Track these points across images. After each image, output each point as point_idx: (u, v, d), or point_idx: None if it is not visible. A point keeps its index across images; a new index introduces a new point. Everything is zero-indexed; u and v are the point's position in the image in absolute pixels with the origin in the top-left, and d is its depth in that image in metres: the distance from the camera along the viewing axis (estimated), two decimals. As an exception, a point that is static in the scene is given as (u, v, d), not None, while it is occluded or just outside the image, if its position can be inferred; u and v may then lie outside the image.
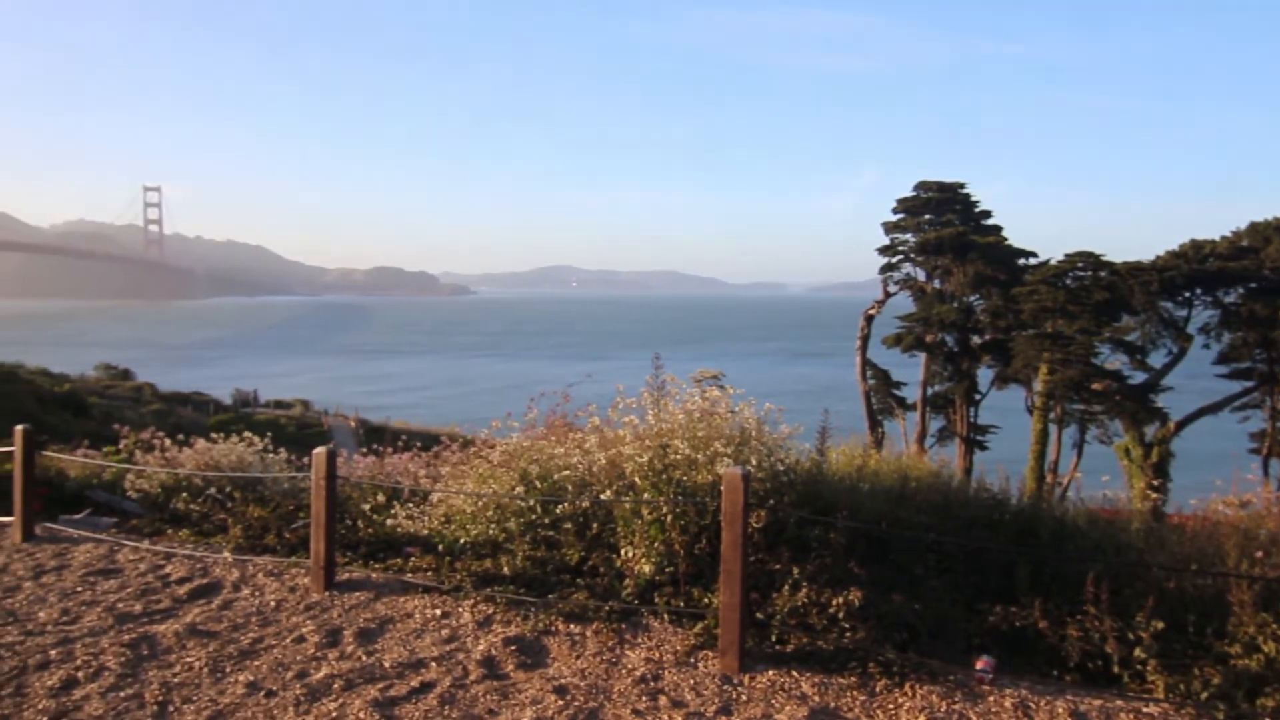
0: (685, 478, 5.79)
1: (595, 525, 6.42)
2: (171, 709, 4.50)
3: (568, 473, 6.46)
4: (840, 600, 5.08)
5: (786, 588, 5.32)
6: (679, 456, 5.76)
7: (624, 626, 5.32)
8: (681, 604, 5.48)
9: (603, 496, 5.89)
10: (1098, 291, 28.64)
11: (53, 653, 5.18)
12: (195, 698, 4.61)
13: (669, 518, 5.63)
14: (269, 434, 10.13)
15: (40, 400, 39.66)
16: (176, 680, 4.82)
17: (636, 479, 5.85)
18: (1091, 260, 29.39)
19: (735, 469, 4.81)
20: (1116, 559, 5.34)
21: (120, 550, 7.22)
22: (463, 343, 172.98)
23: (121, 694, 4.66)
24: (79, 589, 6.32)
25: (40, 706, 4.52)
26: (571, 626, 5.37)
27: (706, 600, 5.44)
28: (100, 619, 5.72)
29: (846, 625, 5.02)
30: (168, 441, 9.73)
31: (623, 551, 5.98)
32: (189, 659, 5.09)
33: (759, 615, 5.24)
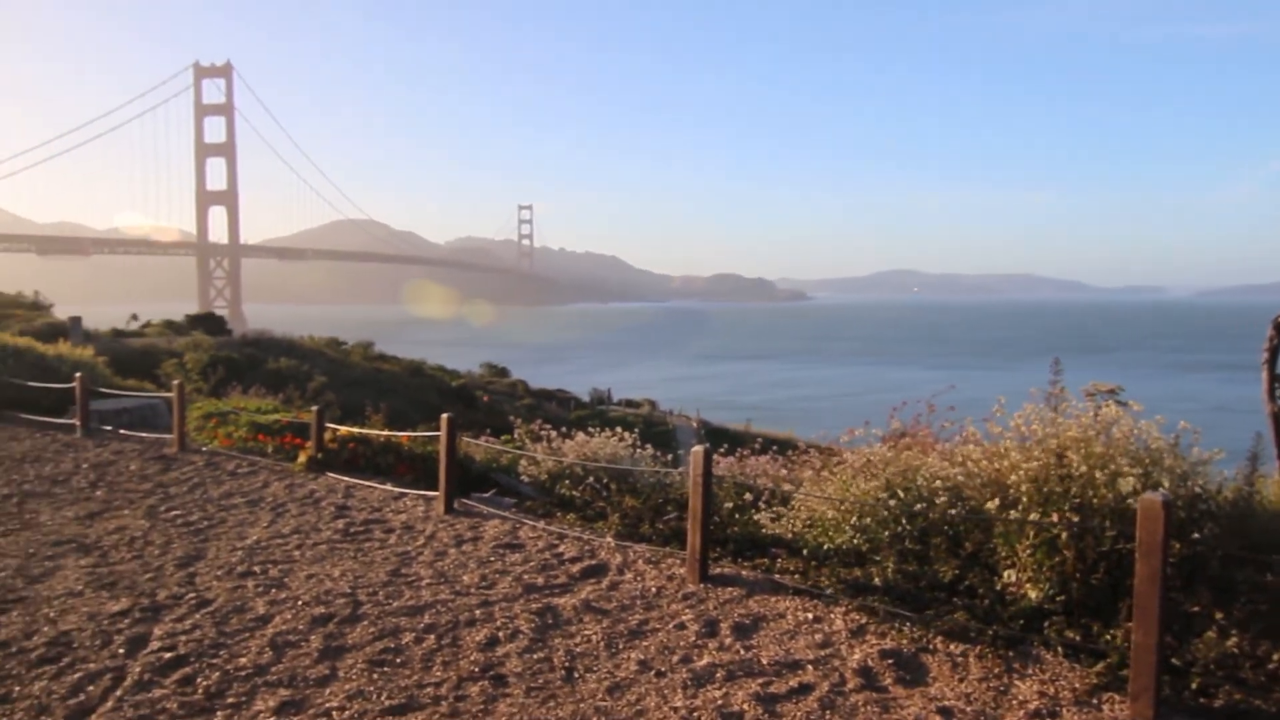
0: (1080, 496, 5.31)
1: (969, 543, 6.10)
2: (576, 675, 4.98)
3: (939, 484, 6.20)
4: (1285, 655, 4.36)
5: (1210, 633, 4.68)
6: (1072, 470, 5.29)
7: (1011, 654, 4.99)
8: (1077, 637, 5.02)
9: (987, 506, 5.56)
10: None
11: (477, 612, 5.96)
12: (595, 668, 5.07)
13: (1063, 538, 5.19)
14: (635, 430, 10.89)
15: (440, 393, 46.09)
16: (578, 650, 5.33)
17: (1023, 495, 5.47)
18: None
19: (1155, 495, 4.31)
20: None
21: (521, 528, 8.13)
22: (800, 348, 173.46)
23: (534, 656, 5.24)
24: (491, 559, 7.21)
25: (472, 659, 5.23)
26: (951, 646, 5.14)
27: (1108, 636, 4.94)
28: (511, 587, 6.49)
29: (1293, 685, 4.30)
30: (553, 433, 10.79)
31: (1004, 574, 5.62)
32: (586, 632, 5.60)
33: (1173, 660, 4.66)
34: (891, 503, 6.24)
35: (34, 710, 4.62)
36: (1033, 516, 5.37)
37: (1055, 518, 5.21)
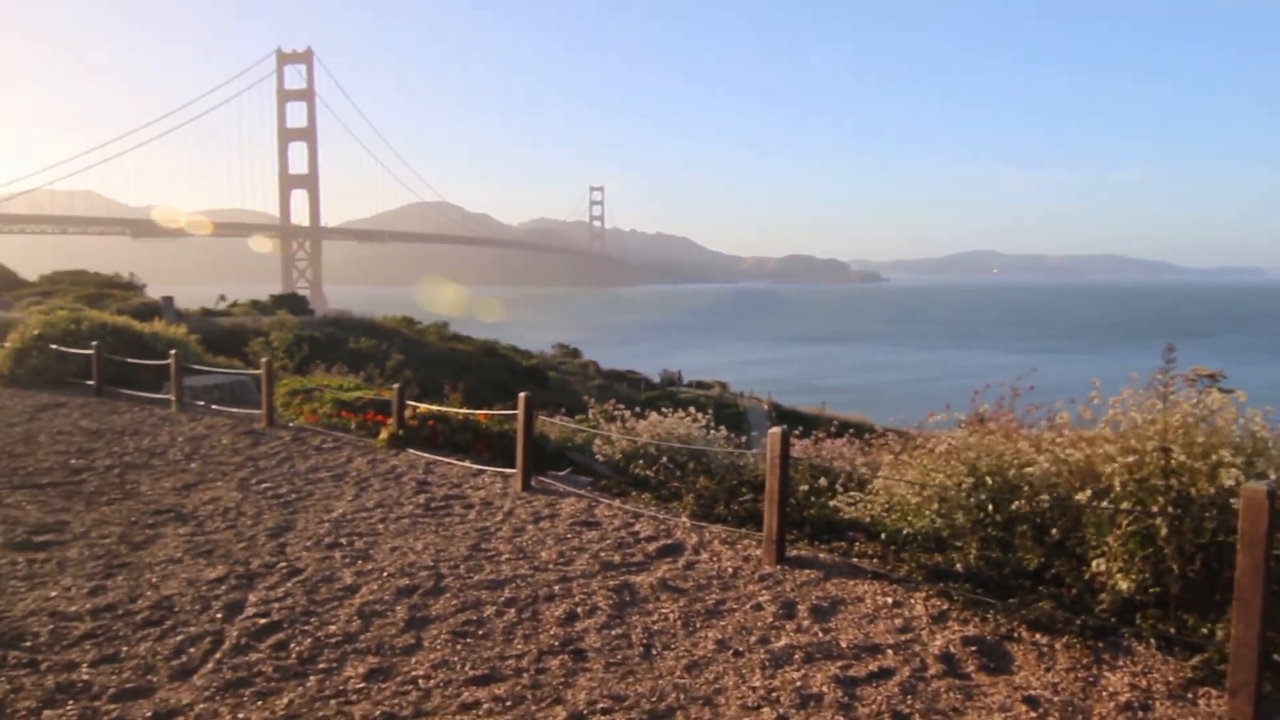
0: (1179, 487, 5.12)
1: (1055, 530, 5.94)
2: (654, 652, 5.03)
3: (1029, 470, 6.05)
4: (1400, 655, 4.15)
5: (1317, 630, 4.47)
6: (1174, 463, 5.10)
7: (1101, 645, 4.86)
8: (1171, 629, 4.87)
9: (1077, 498, 5.41)
10: None
11: (555, 588, 6.05)
12: (673, 646, 5.10)
13: (1162, 531, 5.01)
14: (710, 412, 10.89)
15: (513, 372, 46.76)
16: (655, 627, 5.37)
17: (1116, 484, 5.29)
18: None
19: (1259, 485, 4.13)
20: None
21: (597, 506, 8.21)
22: (872, 331, 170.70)
23: (613, 632, 5.30)
24: (569, 536, 7.31)
25: (551, 632, 5.32)
26: (1037, 636, 5.03)
27: (1205, 630, 4.77)
28: (588, 564, 6.56)
29: None
30: (627, 413, 10.86)
31: (1093, 563, 5.46)
32: (664, 610, 5.64)
33: (1275, 656, 4.47)
34: (982, 495, 6.10)
35: (141, 670, 4.86)
36: (1125, 506, 5.20)
37: (1153, 509, 5.04)
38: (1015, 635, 5.07)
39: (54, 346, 17.46)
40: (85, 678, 4.75)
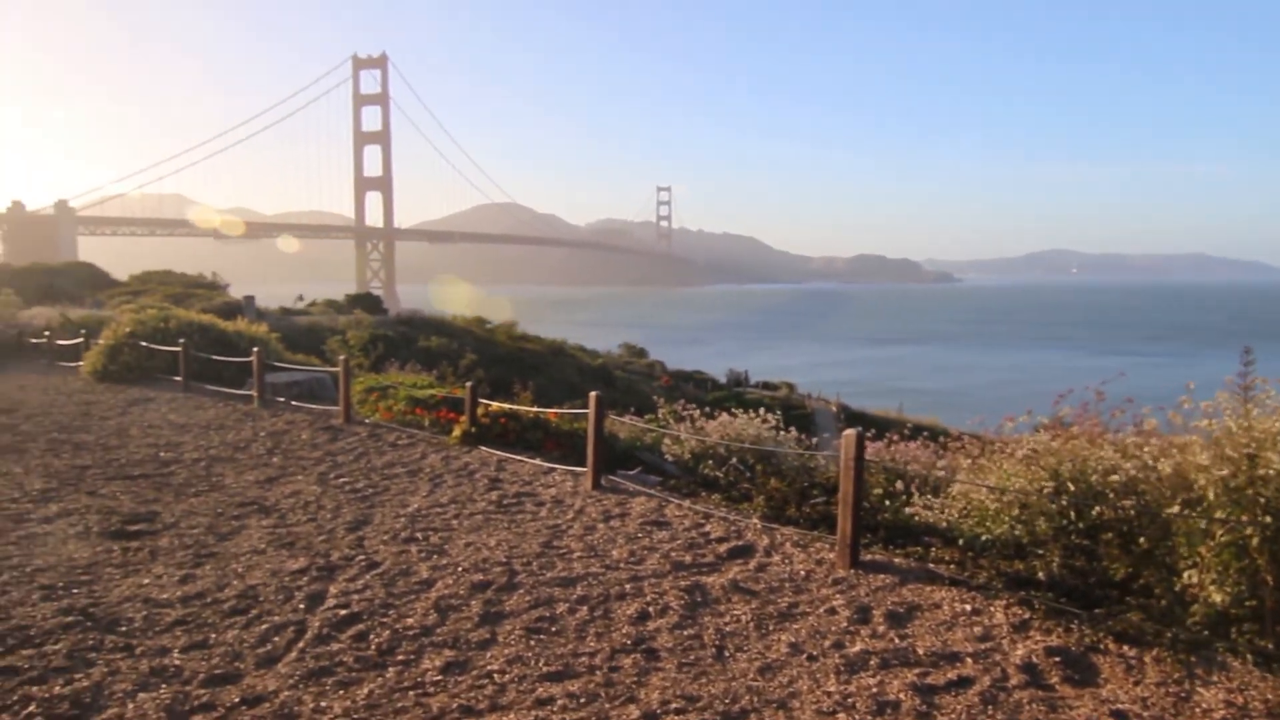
0: (1271, 496, 4.89)
1: (1144, 539, 5.74)
2: (727, 654, 5.00)
3: (1114, 478, 5.85)
4: None
5: None
6: (1271, 471, 4.88)
7: (1193, 659, 4.67)
8: (1269, 645, 4.66)
9: (1168, 511, 5.21)
10: None
11: (627, 587, 6.07)
12: (745, 648, 5.07)
13: (1255, 541, 4.80)
14: (779, 413, 10.79)
15: (580, 372, 47.08)
16: (727, 629, 5.35)
17: (1210, 493, 5.09)
18: None
19: (1370, 494, 3.93)
20: None
21: (667, 506, 8.21)
22: (945, 332, 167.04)
23: (685, 632, 5.30)
24: (639, 535, 7.32)
25: (624, 631, 5.33)
26: (1124, 648, 4.86)
27: (1307, 647, 4.55)
28: (659, 564, 6.57)
29: None
30: (696, 413, 10.82)
31: (1184, 574, 5.26)
32: (735, 612, 5.61)
33: (1385, 677, 4.25)
34: (1063, 500, 5.93)
35: (229, 657, 5.03)
36: (1219, 515, 5.00)
37: (1243, 519, 4.83)
38: (1102, 647, 4.90)
39: (144, 344, 18.20)
40: (177, 663, 4.94)
